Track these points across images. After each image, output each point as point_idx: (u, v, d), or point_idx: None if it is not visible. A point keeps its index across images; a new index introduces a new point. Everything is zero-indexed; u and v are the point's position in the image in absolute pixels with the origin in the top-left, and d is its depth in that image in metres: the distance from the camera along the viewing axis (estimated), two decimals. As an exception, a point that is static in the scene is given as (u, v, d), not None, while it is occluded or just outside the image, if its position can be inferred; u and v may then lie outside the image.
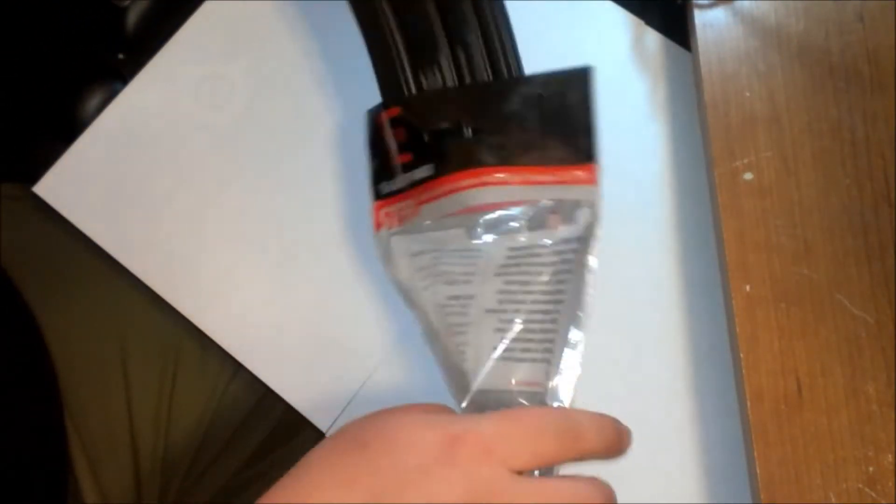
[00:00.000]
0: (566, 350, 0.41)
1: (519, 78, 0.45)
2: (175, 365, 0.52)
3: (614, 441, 0.36)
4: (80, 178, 0.53)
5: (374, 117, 0.47)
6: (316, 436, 0.49)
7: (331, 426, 0.48)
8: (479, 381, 0.41)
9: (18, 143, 0.62)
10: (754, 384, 0.43)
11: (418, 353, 0.49)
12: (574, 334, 0.41)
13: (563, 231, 0.43)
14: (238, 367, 0.50)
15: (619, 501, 0.46)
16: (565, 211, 0.43)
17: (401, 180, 0.46)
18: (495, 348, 0.42)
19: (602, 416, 0.37)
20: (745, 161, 0.47)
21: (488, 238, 0.44)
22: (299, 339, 0.50)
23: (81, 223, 0.51)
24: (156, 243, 0.51)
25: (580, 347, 0.41)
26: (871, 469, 0.41)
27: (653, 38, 0.53)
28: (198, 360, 0.53)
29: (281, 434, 0.56)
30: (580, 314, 0.41)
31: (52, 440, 0.50)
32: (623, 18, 0.53)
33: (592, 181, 0.44)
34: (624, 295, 0.49)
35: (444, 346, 0.43)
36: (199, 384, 0.53)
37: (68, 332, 0.52)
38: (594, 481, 0.35)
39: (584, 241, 0.43)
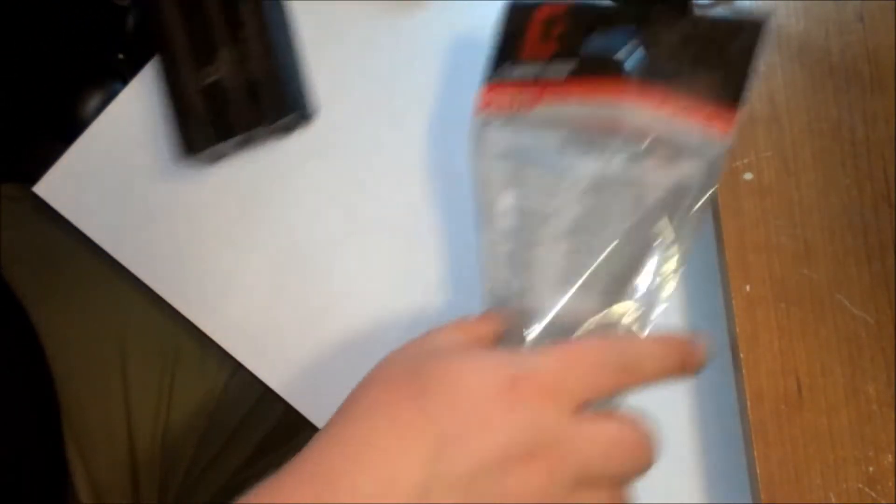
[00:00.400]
0: (643, 289, 0.39)
1: (694, 14, 0.42)
2: (174, 365, 0.52)
3: (678, 366, 0.35)
4: (80, 178, 0.53)
5: (526, 10, 0.45)
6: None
7: (331, 426, 0.48)
8: (552, 313, 0.39)
9: (18, 143, 0.62)
10: (754, 384, 0.43)
11: (418, 353, 0.49)
12: (662, 277, 0.40)
13: (664, 174, 0.40)
14: (237, 367, 0.50)
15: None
16: (676, 154, 0.40)
17: (527, 70, 0.43)
18: (562, 276, 0.40)
19: (667, 341, 0.35)
20: (745, 161, 0.47)
21: (584, 157, 0.41)
22: (299, 339, 0.50)
23: (81, 223, 0.51)
24: (156, 243, 0.51)
25: (665, 292, 0.40)
26: (871, 469, 0.41)
27: (653, 38, 0.53)
28: (197, 359, 0.53)
29: (280, 434, 0.56)
30: (677, 257, 0.40)
31: (49, 442, 0.50)
32: (623, 18, 0.53)
33: (723, 134, 0.40)
34: (624, 295, 0.49)
35: (499, 257, 0.41)
36: (199, 384, 0.53)
37: (68, 332, 0.52)
38: (634, 421, 0.34)
39: (685, 192, 0.40)
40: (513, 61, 0.44)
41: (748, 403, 0.43)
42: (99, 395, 0.52)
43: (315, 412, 0.49)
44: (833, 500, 0.41)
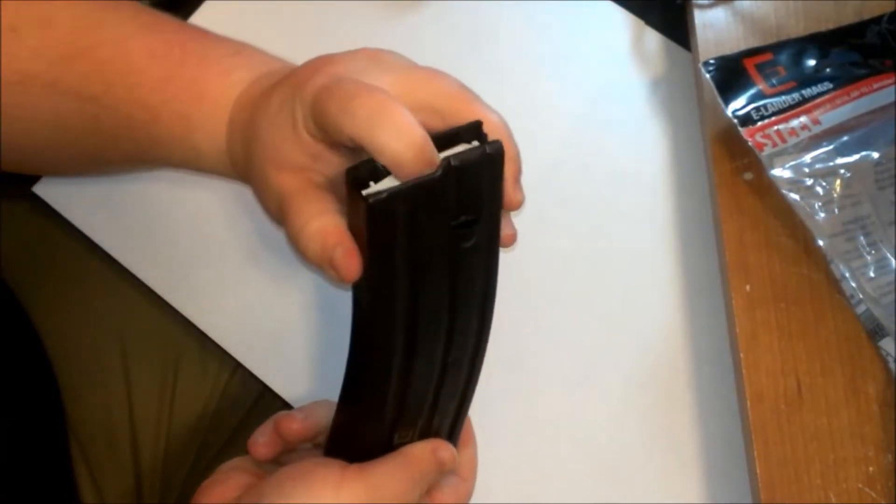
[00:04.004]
0: None
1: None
2: (176, 365, 0.52)
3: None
4: (80, 178, 0.52)
5: (732, 62, 0.47)
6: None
7: (331, 426, 0.48)
8: None
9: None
10: (754, 384, 0.43)
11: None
12: None
13: None
14: (237, 367, 0.50)
15: (620, 501, 0.46)
16: None
17: (775, 105, 0.46)
18: None
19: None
20: (745, 161, 0.47)
21: (851, 156, 0.44)
22: (299, 339, 0.50)
23: (81, 223, 0.51)
24: (156, 243, 0.51)
25: None
26: (871, 469, 0.41)
27: (653, 38, 0.53)
28: (198, 360, 0.53)
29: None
30: None
31: (53, 444, 0.50)
32: (623, 18, 0.54)
33: None
34: (625, 295, 0.49)
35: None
36: (200, 384, 0.53)
37: (68, 333, 0.52)
38: None
39: None
40: (757, 105, 0.46)
41: (748, 403, 0.43)
42: (101, 397, 0.52)
43: (315, 412, 0.49)
44: (833, 500, 0.41)
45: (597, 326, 0.49)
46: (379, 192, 0.30)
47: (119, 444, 0.51)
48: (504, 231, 0.35)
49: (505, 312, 0.47)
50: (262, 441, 0.38)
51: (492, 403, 0.45)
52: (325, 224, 0.33)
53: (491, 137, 0.33)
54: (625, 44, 0.53)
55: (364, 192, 0.30)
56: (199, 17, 0.55)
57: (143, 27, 0.39)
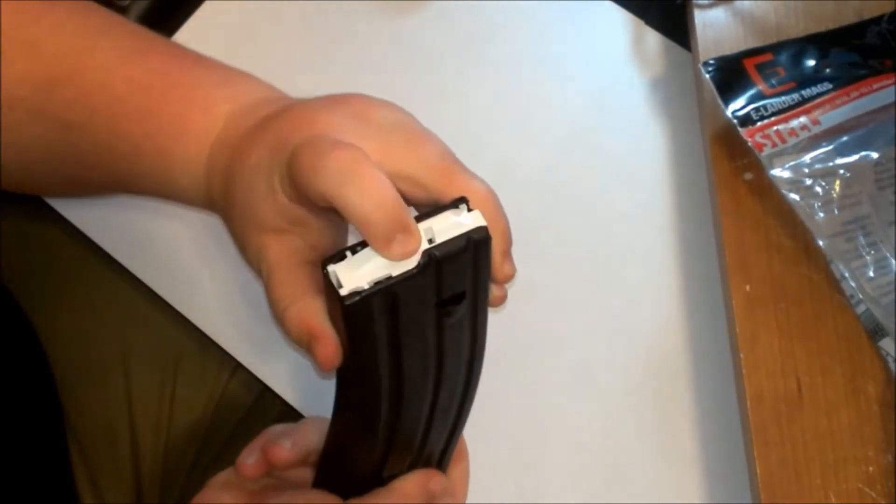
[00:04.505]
0: None
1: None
2: (175, 366, 0.52)
3: None
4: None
5: (732, 62, 0.47)
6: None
7: (331, 426, 0.48)
8: None
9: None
10: (754, 384, 0.43)
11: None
12: None
13: None
14: (237, 367, 0.50)
15: (620, 502, 0.46)
16: None
17: (774, 105, 0.46)
18: None
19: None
20: (745, 161, 0.47)
21: (851, 156, 0.44)
22: (299, 340, 0.50)
23: (81, 224, 0.51)
24: (156, 243, 0.51)
25: None
26: (871, 469, 0.41)
27: (653, 38, 0.53)
28: (198, 360, 0.53)
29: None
30: None
31: (51, 445, 0.50)
32: (623, 18, 0.54)
33: None
34: (624, 295, 0.49)
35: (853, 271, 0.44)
36: (200, 384, 0.53)
37: (68, 333, 0.52)
38: None
39: None
40: (757, 105, 0.46)
41: (748, 404, 0.43)
42: (101, 398, 0.52)
43: (314, 412, 0.49)
44: (833, 500, 0.41)
45: (596, 326, 0.49)
46: (354, 293, 0.29)
47: (119, 445, 0.51)
48: (492, 294, 0.34)
49: (503, 313, 0.47)
50: (250, 463, 0.38)
51: (490, 404, 0.44)
52: (303, 310, 0.33)
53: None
54: (625, 44, 0.53)
55: (341, 293, 0.29)
56: (199, 17, 0.55)
57: (131, 54, 0.38)
